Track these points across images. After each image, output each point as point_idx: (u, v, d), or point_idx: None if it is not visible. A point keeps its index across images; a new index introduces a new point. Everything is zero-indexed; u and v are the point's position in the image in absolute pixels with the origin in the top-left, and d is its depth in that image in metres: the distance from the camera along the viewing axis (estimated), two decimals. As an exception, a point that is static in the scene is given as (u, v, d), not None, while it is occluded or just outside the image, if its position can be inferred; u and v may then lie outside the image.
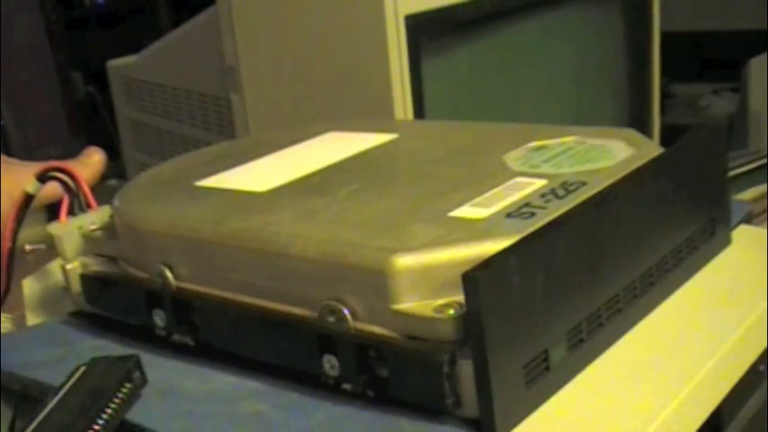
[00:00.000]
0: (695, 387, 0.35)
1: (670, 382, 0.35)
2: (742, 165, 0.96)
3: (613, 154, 0.44)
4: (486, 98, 0.82)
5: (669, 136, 0.44)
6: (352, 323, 0.36)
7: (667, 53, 1.03)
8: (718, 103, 1.66)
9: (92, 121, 2.01)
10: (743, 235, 0.47)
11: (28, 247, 0.64)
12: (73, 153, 0.58)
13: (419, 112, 0.70)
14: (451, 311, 0.33)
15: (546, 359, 0.34)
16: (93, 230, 0.47)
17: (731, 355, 0.38)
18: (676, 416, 0.34)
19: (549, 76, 0.91)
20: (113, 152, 0.71)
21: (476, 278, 0.31)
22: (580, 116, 0.96)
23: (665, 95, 1.24)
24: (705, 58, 1.78)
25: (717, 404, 0.38)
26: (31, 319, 0.50)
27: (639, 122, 1.02)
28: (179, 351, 0.41)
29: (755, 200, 0.87)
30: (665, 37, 1.02)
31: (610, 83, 1.02)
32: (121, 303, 0.44)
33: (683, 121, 1.58)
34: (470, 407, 0.33)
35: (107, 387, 0.36)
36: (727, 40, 1.72)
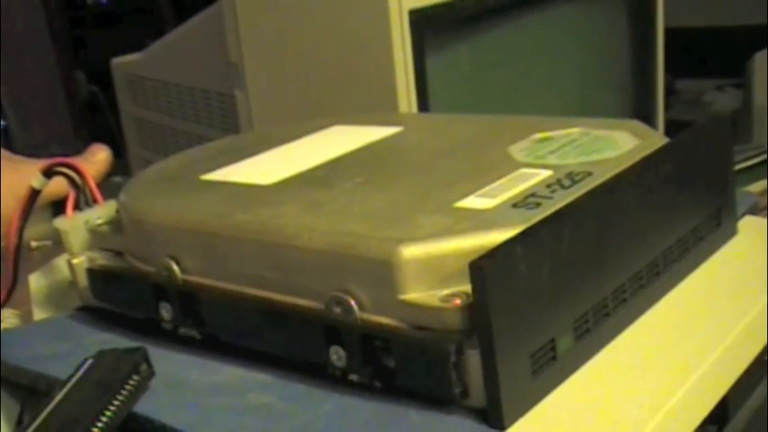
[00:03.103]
0: (701, 377, 0.35)
1: (676, 372, 0.35)
2: (745, 159, 0.95)
3: (618, 145, 0.44)
4: (490, 92, 0.82)
5: (673, 132, 0.44)
6: (358, 314, 0.36)
7: (670, 49, 1.03)
8: (722, 99, 1.65)
9: (95, 120, 2.02)
10: (749, 225, 0.47)
11: (34, 244, 0.64)
12: (77, 152, 0.58)
13: (423, 106, 0.70)
14: (458, 301, 0.33)
15: (553, 348, 0.34)
16: (100, 225, 0.47)
17: (737, 345, 0.38)
18: (682, 405, 0.34)
19: (552, 71, 0.91)
20: (118, 150, 0.71)
21: (482, 267, 0.31)
22: (583, 111, 0.95)
23: (668, 92, 1.24)
24: (708, 54, 1.77)
25: (723, 394, 0.38)
26: (38, 315, 0.50)
27: (643, 118, 1.01)
28: (185, 344, 0.41)
29: (759, 194, 0.87)
30: (668, 33, 1.02)
31: (614, 79, 1.02)
32: (128, 297, 0.44)
33: (687, 117, 1.58)
34: (477, 396, 0.33)
35: (114, 379, 0.36)
36: (730, 36, 1.72)
